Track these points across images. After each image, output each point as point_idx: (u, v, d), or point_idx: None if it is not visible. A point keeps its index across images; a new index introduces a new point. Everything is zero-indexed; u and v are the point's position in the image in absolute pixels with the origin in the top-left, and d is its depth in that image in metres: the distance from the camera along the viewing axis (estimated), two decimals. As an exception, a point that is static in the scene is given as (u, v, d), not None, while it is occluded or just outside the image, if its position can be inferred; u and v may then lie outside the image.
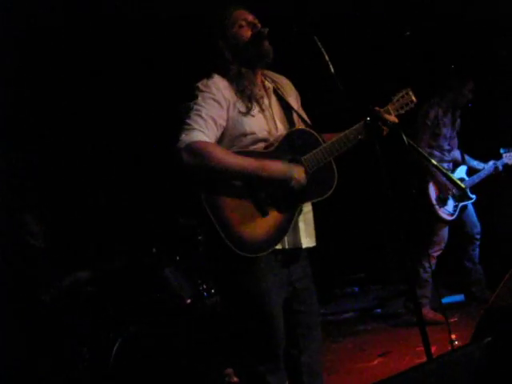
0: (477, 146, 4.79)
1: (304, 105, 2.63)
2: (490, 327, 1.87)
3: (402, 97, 2.47)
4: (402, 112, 2.47)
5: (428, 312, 4.33)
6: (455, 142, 4.61)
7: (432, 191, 4.41)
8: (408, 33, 5.45)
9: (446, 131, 4.48)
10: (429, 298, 4.45)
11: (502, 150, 4.56)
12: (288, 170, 2.23)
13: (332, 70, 2.33)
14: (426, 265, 4.41)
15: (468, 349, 1.89)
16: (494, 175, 4.56)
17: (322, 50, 2.33)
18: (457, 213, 4.47)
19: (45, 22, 4.11)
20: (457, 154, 4.61)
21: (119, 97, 4.83)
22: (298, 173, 2.24)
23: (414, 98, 2.47)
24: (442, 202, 4.40)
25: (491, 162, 4.58)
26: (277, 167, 2.22)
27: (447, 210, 4.42)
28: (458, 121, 4.58)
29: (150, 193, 4.66)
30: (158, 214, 4.40)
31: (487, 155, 4.66)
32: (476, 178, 4.55)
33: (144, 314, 3.85)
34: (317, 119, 2.61)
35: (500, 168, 4.55)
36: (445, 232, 4.50)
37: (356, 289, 6.22)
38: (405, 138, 2.43)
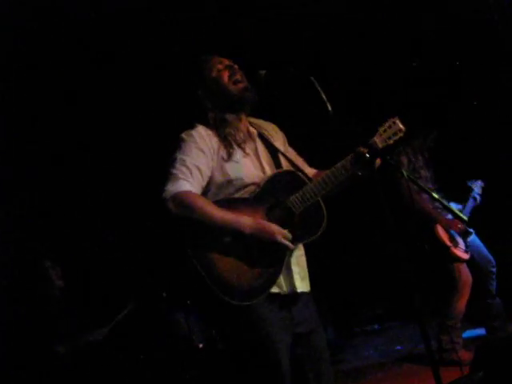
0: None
1: (300, 145, 2.64)
2: (485, 360, 1.81)
3: (389, 127, 2.40)
4: (391, 143, 2.40)
5: (463, 354, 4.14)
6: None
7: (442, 233, 4.26)
8: (415, 63, 5.44)
9: (424, 173, 4.41)
10: (459, 342, 4.26)
11: (469, 183, 4.49)
12: (273, 231, 2.18)
13: (330, 108, 2.31)
14: (451, 311, 4.24)
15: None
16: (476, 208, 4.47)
17: (319, 89, 2.33)
18: (468, 249, 4.34)
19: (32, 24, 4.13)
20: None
21: (119, 147, 4.92)
22: (284, 234, 2.20)
23: (401, 127, 2.40)
24: (454, 241, 4.27)
25: (471, 200, 4.44)
26: (262, 226, 2.18)
27: (461, 248, 4.29)
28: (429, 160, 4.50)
29: (159, 236, 4.65)
30: (166, 257, 4.38)
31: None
32: (467, 214, 4.41)
33: (156, 360, 3.81)
34: (315, 157, 2.64)
35: (478, 200, 4.46)
36: (467, 271, 4.32)
37: (376, 326, 6.08)
38: (404, 172, 2.38)
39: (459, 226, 4.26)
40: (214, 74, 2.42)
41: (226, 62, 2.46)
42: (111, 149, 4.94)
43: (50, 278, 3.97)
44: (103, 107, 4.79)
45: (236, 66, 2.46)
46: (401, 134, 2.44)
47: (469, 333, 4.85)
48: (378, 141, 2.39)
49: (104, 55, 4.43)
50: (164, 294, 4.00)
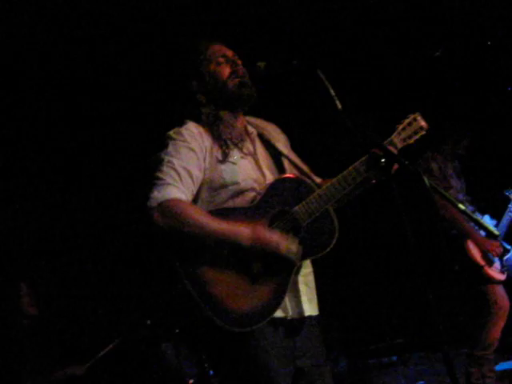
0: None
1: (305, 149, 2.48)
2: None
3: (409, 124, 2.26)
4: (411, 142, 2.25)
5: None
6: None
7: (474, 250, 3.97)
8: (438, 53, 5.30)
9: (454, 182, 4.18)
10: (492, 376, 3.97)
11: (507, 192, 4.24)
12: (275, 241, 1.98)
13: (339, 105, 2.10)
14: (483, 340, 3.92)
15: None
16: None
17: (327, 83, 2.11)
18: (505, 269, 4.05)
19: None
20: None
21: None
22: (289, 244, 1.99)
23: (423, 124, 2.25)
24: (488, 259, 3.97)
25: (507, 213, 4.17)
26: (263, 237, 1.97)
27: (497, 268, 4.01)
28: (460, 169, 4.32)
29: (143, 256, 4.41)
30: (152, 280, 4.07)
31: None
32: (503, 228, 4.19)
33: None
34: (321, 163, 2.49)
35: None
36: (503, 293, 4.02)
37: (395, 358, 5.73)
38: (425, 179, 2.11)
39: (496, 248, 3.96)
40: (213, 66, 2.24)
41: (230, 54, 2.27)
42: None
43: (21, 305, 3.66)
44: (98, 106, 4.70)
45: (240, 62, 2.27)
46: (423, 132, 2.30)
47: (502, 365, 4.67)
48: (397, 140, 2.25)
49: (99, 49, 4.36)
50: (148, 322, 3.68)
